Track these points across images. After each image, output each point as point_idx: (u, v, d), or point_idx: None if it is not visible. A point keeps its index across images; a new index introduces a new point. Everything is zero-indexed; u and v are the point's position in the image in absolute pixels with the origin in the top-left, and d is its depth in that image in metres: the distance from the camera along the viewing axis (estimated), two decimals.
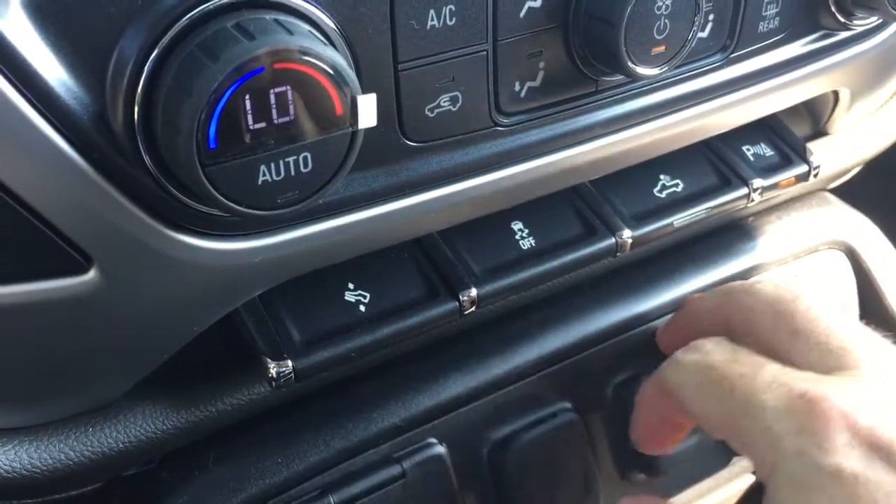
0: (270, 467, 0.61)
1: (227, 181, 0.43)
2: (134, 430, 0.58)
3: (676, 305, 0.77)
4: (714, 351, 0.59)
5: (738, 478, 0.89)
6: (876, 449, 0.49)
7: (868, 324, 0.78)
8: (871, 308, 0.87)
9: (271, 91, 0.42)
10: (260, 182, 0.44)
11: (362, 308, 0.61)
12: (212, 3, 0.43)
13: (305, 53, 0.42)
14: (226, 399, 0.61)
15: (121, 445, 0.57)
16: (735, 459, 0.84)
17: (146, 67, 0.43)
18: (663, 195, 0.73)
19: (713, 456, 0.82)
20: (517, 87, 0.55)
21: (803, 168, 0.76)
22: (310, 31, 0.45)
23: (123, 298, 0.48)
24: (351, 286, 0.62)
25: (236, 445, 0.62)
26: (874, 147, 0.89)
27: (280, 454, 0.62)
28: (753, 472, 0.89)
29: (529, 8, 0.53)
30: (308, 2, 0.46)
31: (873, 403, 0.51)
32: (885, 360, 0.55)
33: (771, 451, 0.51)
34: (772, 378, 0.54)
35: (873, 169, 0.95)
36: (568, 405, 0.72)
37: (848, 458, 0.48)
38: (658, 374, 0.63)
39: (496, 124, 0.55)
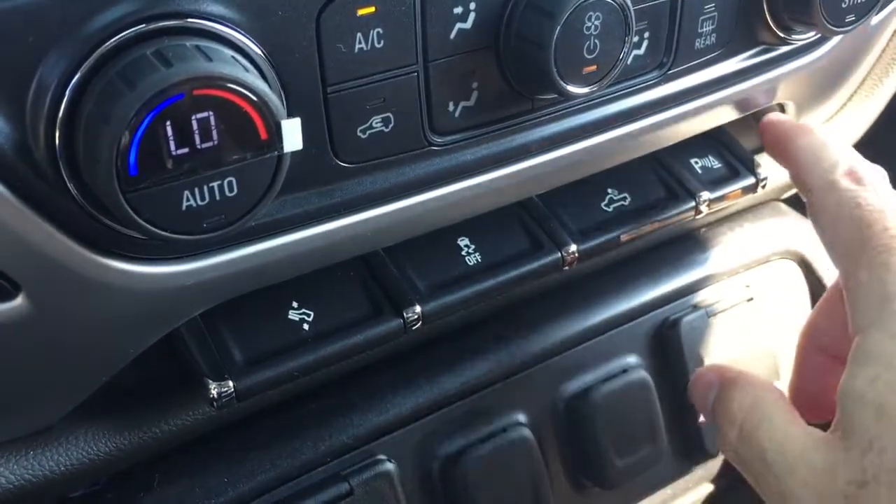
0: (216, 487, 0.61)
1: (149, 207, 0.43)
2: (76, 453, 0.58)
3: (628, 317, 0.78)
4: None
5: (696, 487, 0.89)
6: None
7: None
8: None
9: (193, 117, 0.43)
10: (184, 207, 0.44)
11: (306, 326, 0.61)
12: (132, 30, 0.44)
13: (225, 80, 0.43)
14: (170, 420, 0.61)
15: (62, 468, 0.57)
16: (694, 468, 0.85)
17: (66, 94, 0.43)
18: (611, 209, 0.73)
19: (671, 465, 0.82)
20: (451, 108, 0.56)
21: (751, 180, 0.77)
22: (233, 56, 0.45)
23: (54, 324, 0.48)
24: (295, 304, 0.62)
25: (182, 466, 0.62)
26: None
27: (226, 474, 0.62)
28: (712, 481, 0.90)
29: (460, 29, 0.53)
30: (233, 28, 0.46)
31: None
32: None
33: None
34: None
35: None
36: (519, 419, 0.72)
37: None
38: None
39: (430, 144, 0.56)
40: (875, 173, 0.62)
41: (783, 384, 0.84)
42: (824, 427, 0.57)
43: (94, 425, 0.58)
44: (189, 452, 0.62)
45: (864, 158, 0.65)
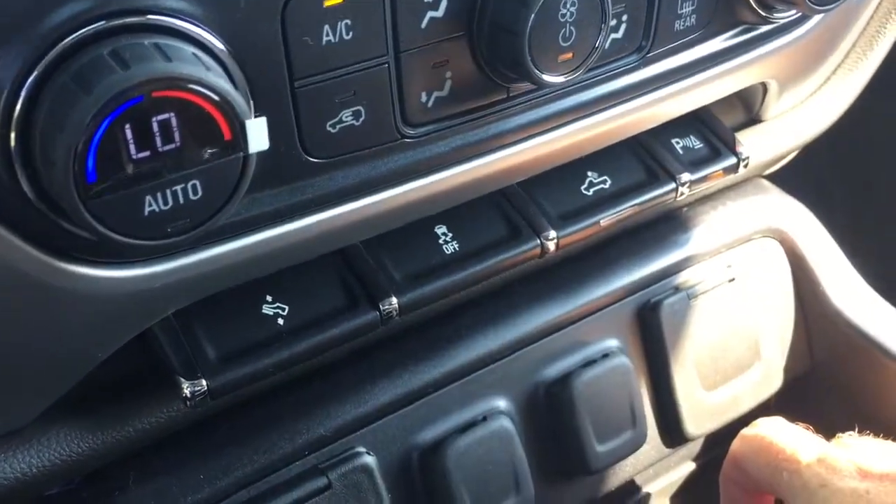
0: (192, 484, 0.61)
1: (111, 214, 0.42)
2: (48, 454, 0.57)
3: (609, 301, 0.78)
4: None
5: (677, 466, 0.89)
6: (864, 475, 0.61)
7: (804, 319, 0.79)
8: (807, 295, 0.87)
9: (153, 119, 0.41)
10: (146, 213, 0.43)
11: (280, 321, 0.60)
12: (90, 27, 0.42)
13: (185, 80, 0.41)
14: (143, 418, 0.60)
15: (35, 470, 0.56)
16: (676, 450, 0.85)
17: (21, 95, 0.41)
18: (590, 193, 0.72)
19: (652, 448, 0.82)
20: (424, 98, 0.54)
21: (732, 160, 0.76)
22: (194, 54, 0.43)
23: (15, 330, 0.47)
24: (269, 299, 0.61)
25: (157, 464, 0.61)
26: (808, 133, 0.89)
27: (202, 470, 0.61)
28: (694, 459, 0.90)
29: (431, 18, 0.52)
30: (194, 23, 0.44)
31: None
32: None
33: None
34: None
35: (809, 154, 0.95)
36: (499, 407, 0.72)
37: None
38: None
39: (403, 136, 0.54)
40: None
41: (763, 364, 0.84)
42: None
43: (67, 425, 0.57)
44: (164, 449, 0.62)
45: None
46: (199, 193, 0.44)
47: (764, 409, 0.87)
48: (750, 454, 0.67)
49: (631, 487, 0.85)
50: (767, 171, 0.93)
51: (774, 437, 0.66)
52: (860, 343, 0.85)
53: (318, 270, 0.63)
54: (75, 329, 0.49)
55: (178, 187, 0.43)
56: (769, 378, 0.84)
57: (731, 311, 0.82)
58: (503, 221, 0.68)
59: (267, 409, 0.65)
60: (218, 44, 0.45)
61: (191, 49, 0.43)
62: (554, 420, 0.74)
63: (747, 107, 0.84)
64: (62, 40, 0.42)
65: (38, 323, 0.48)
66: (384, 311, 0.62)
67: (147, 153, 0.42)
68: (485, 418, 0.70)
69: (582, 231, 0.70)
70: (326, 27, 0.48)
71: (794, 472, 0.63)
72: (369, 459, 0.65)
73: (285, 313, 0.61)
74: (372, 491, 0.65)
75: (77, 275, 0.46)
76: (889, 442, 0.66)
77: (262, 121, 0.43)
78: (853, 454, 0.63)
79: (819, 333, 0.87)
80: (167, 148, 0.42)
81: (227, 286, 0.54)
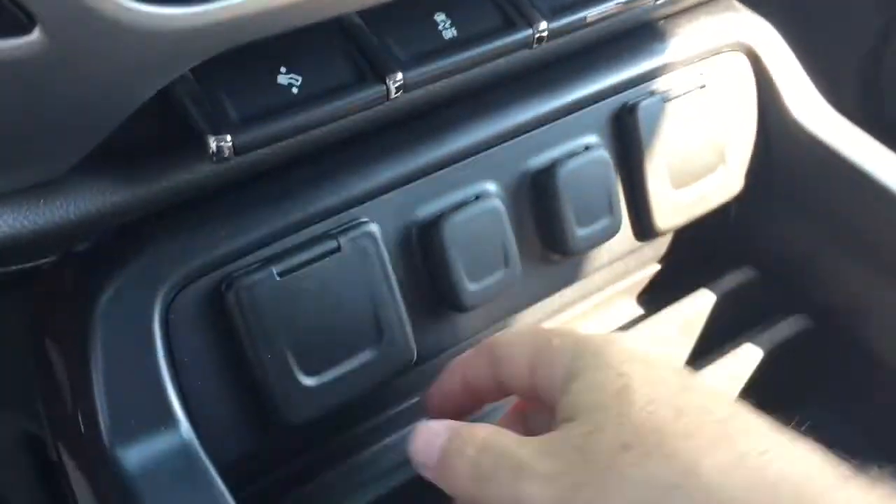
0: (215, 240, 0.66)
1: None
2: (82, 205, 0.61)
3: (590, 101, 0.83)
4: None
5: (645, 266, 0.97)
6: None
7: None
8: (770, 107, 0.94)
9: None
10: None
11: (295, 90, 0.65)
12: None
13: None
14: (168, 177, 0.64)
15: (71, 217, 0.61)
16: (644, 246, 0.92)
17: None
18: None
19: (624, 242, 0.89)
20: None
21: None
22: None
23: (67, 62, 0.50)
24: (283, 69, 0.65)
25: (181, 221, 0.66)
26: None
27: (223, 229, 0.66)
28: (658, 262, 0.97)
29: None
30: None
31: None
32: None
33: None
34: None
35: None
36: (490, 190, 0.78)
37: None
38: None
39: None
40: None
41: (727, 168, 0.91)
42: None
43: (99, 178, 0.62)
44: (187, 210, 0.66)
45: None
46: None
47: (723, 216, 0.96)
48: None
49: (602, 282, 0.93)
50: None
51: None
52: (816, 151, 0.92)
53: (327, 48, 0.67)
54: (123, 65, 0.52)
55: None
56: (732, 181, 0.92)
57: (700, 117, 0.89)
58: (498, 12, 0.73)
59: (280, 181, 0.70)
60: None
61: None
62: (539, 205, 0.80)
63: None
64: None
65: (88, 57, 0.51)
66: (390, 85, 0.66)
67: None
68: (477, 198, 0.76)
69: (570, 25, 0.74)
70: None
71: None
72: (374, 227, 0.71)
73: (299, 83, 0.65)
74: (377, 256, 0.71)
75: (131, 8, 0.49)
76: None
77: None
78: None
79: (777, 142, 0.94)
80: None
81: (257, 35, 0.57)
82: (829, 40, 1.24)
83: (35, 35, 0.49)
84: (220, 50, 0.57)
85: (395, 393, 0.81)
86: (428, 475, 0.60)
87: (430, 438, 0.60)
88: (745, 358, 0.91)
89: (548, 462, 0.53)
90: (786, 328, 0.93)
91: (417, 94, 0.72)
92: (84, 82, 0.53)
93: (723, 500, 0.48)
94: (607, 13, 0.76)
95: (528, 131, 0.80)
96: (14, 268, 0.62)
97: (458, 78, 0.74)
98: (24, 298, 0.71)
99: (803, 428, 0.54)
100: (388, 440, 0.83)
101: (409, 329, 0.72)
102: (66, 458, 0.70)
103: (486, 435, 0.58)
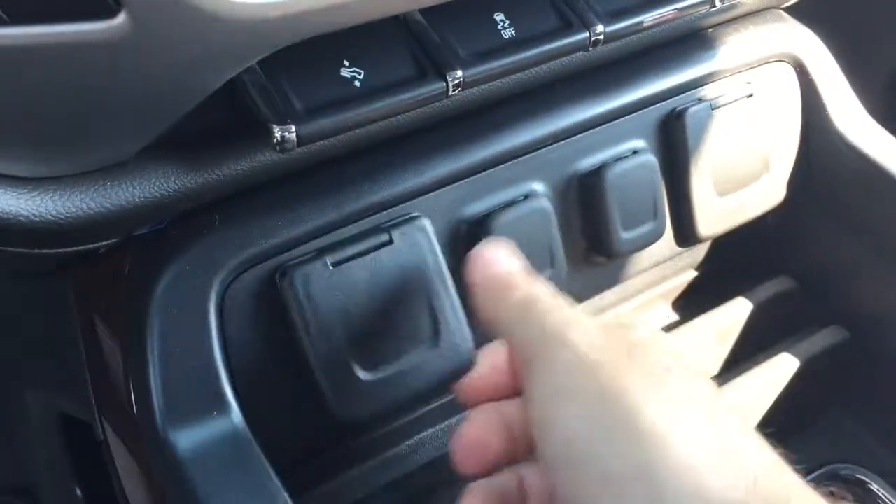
0: (271, 229, 0.67)
1: None
2: (148, 188, 0.62)
3: (638, 106, 0.84)
4: None
5: (683, 272, 0.98)
6: None
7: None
8: (814, 118, 0.94)
9: None
10: None
11: (357, 83, 0.65)
12: None
13: None
14: (230, 165, 0.65)
15: (136, 200, 0.62)
16: (683, 252, 0.93)
17: None
18: None
19: (665, 247, 0.89)
20: None
21: None
22: None
23: (148, 47, 0.51)
24: (346, 63, 0.66)
25: (240, 209, 0.67)
26: None
27: (280, 219, 0.67)
28: (696, 269, 0.98)
29: None
30: None
31: None
32: None
33: None
34: None
35: None
36: (539, 190, 0.78)
37: None
38: None
39: None
40: None
41: (771, 177, 0.92)
42: None
43: (165, 163, 0.62)
44: (247, 198, 0.67)
45: None
46: None
47: (762, 224, 0.96)
48: None
49: (642, 286, 0.93)
50: (785, 5, 0.98)
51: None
52: (858, 163, 0.93)
53: (390, 44, 0.68)
54: (200, 52, 0.53)
55: None
56: (774, 190, 0.92)
57: (746, 125, 0.89)
58: (555, 14, 0.73)
59: (336, 174, 0.71)
60: None
61: None
62: (585, 207, 0.81)
63: None
64: None
65: (168, 43, 0.52)
66: (450, 81, 0.67)
67: None
68: (526, 197, 0.77)
69: (627, 29, 0.75)
70: None
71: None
72: (426, 222, 0.72)
73: (361, 77, 0.66)
74: (429, 249, 0.71)
75: None
76: None
77: None
78: None
79: (820, 152, 0.95)
80: None
81: (326, 29, 0.58)
82: (868, 52, 1.25)
83: (120, 19, 0.49)
84: (290, 42, 0.57)
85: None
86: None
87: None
88: (780, 368, 0.91)
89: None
90: (822, 339, 0.94)
91: (471, 92, 0.73)
92: (161, 68, 0.54)
93: None
94: (663, 18, 0.77)
95: (577, 133, 0.80)
96: (78, 248, 0.63)
97: (511, 77, 0.75)
98: (76, 279, 0.72)
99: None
100: (424, 434, 0.84)
101: (466, 329, 0.71)
102: (112, 438, 0.71)
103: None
